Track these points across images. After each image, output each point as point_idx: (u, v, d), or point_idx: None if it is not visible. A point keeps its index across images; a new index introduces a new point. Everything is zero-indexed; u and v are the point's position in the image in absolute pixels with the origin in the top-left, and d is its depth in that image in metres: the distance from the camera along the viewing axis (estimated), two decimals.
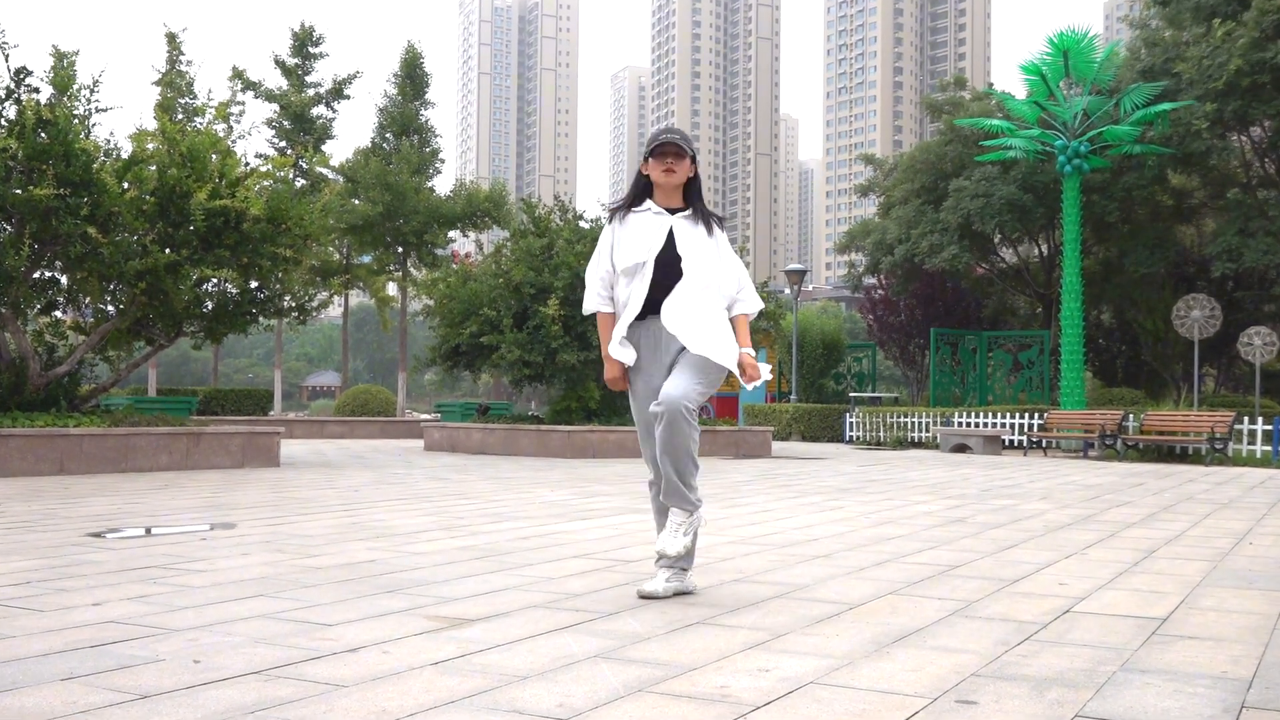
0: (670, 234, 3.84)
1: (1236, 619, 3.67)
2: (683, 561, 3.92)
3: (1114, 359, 30.70)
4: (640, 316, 3.83)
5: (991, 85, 34.10)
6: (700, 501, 3.82)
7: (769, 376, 3.96)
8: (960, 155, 27.18)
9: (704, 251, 3.85)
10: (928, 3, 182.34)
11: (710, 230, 3.90)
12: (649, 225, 3.87)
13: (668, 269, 3.80)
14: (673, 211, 3.89)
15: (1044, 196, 24.93)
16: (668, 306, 3.77)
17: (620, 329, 3.86)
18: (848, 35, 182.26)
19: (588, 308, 3.97)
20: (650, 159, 3.87)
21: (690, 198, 3.93)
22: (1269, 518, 7.40)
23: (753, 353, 3.85)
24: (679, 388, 3.67)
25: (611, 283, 3.92)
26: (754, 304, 3.97)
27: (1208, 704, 2.57)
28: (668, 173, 3.84)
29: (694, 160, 3.89)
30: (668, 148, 3.83)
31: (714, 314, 3.82)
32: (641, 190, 3.93)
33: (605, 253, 3.93)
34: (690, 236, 3.84)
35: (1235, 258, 22.18)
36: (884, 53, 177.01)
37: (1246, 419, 16.86)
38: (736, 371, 3.78)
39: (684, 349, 3.79)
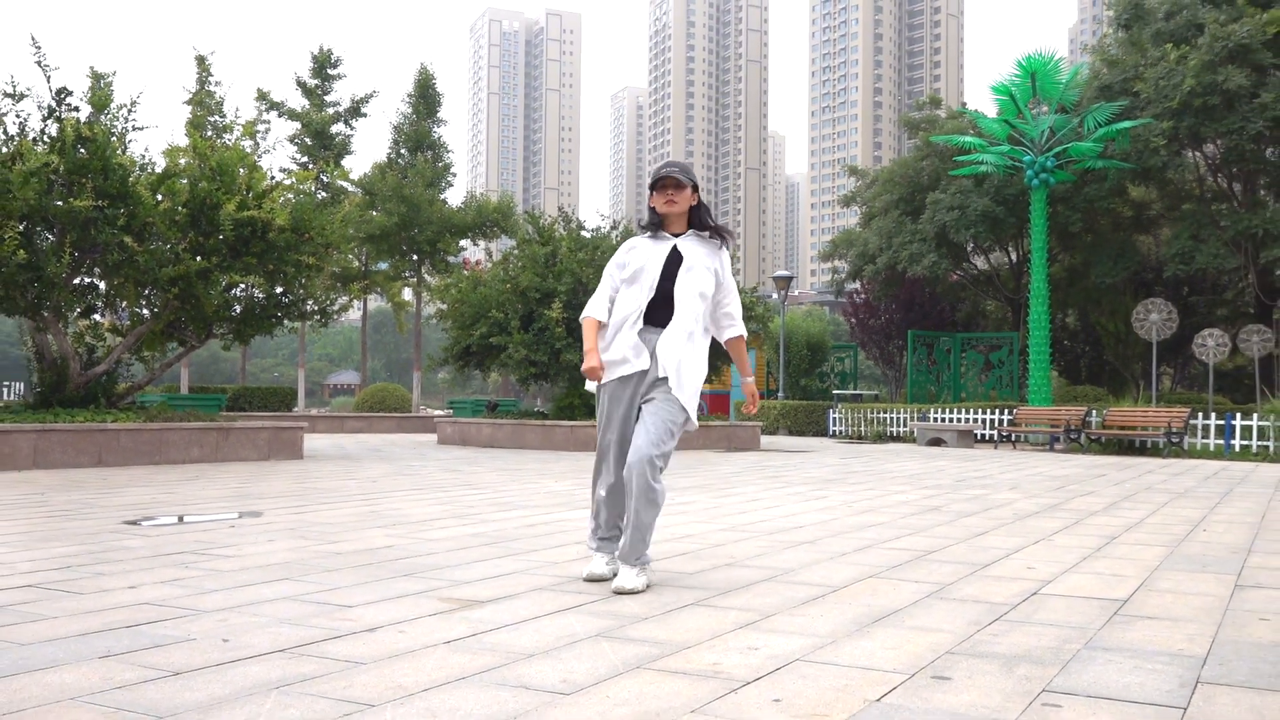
0: (672, 255, 3.79)
1: (1192, 600, 3.67)
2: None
3: (1078, 359, 30.71)
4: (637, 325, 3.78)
5: (965, 104, 34.08)
6: (649, 555, 3.82)
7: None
8: (936, 169, 27.17)
9: (699, 279, 3.78)
10: (905, 28, 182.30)
11: (719, 245, 3.87)
12: (655, 247, 3.83)
13: (666, 288, 3.76)
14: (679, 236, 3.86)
15: (1014, 208, 24.93)
16: (663, 344, 3.72)
17: (628, 335, 3.74)
18: (831, 58, 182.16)
19: (586, 312, 3.89)
20: (653, 193, 3.84)
21: (696, 222, 3.87)
22: (1221, 506, 7.41)
23: (753, 382, 3.83)
24: (648, 439, 3.62)
25: (613, 298, 3.86)
26: (741, 329, 3.96)
27: (1166, 679, 2.57)
28: (669, 204, 3.82)
29: (696, 190, 3.84)
30: (666, 180, 3.81)
31: (699, 355, 3.79)
32: (654, 224, 3.88)
33: (613, 272, 3.88)
34: (692, 259, 3.78)
35: (1188, 260, 22.23)
36: (865, 74, 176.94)
37: (1200, 415, 16.89)
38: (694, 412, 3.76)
39: (656, 385, 3.73)
